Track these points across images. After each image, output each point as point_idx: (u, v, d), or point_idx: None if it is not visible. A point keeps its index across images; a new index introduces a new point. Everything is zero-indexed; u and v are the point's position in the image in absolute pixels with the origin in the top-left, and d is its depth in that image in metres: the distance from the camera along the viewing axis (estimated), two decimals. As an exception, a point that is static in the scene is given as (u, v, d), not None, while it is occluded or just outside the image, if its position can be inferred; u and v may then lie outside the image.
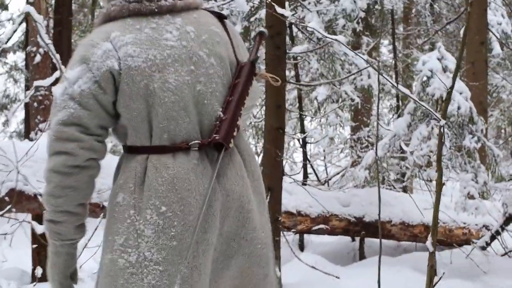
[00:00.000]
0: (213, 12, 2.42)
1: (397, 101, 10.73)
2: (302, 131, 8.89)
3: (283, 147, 6.27)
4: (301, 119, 8.94)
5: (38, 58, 8.57)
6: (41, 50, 8.46)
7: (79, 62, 2.19)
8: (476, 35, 9.06)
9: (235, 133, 2.22)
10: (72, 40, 11.67)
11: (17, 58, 16.43)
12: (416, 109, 6.92)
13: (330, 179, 9.72)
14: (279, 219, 5.98)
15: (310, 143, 9.59)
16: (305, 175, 9.13)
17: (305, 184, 8.28)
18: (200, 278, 2.15)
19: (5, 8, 12.98)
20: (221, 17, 2.42)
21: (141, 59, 2.17)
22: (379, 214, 4.77)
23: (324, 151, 10.78)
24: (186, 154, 2.18)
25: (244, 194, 2.25)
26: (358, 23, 8.96)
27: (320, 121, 9.06)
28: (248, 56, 2.39)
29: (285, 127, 6.30)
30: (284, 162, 7.09)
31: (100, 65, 2.16)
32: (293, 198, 7.35)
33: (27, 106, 10.36)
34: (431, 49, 12.16)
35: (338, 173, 9.76)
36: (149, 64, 2.18)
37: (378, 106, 5.97)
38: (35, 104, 8.48)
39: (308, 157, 9.29)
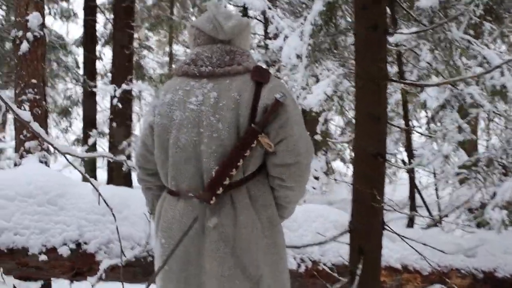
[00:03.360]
0: (258, 75, 2.86)
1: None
2: (409, 152, 6.55)
3: (383, 184, 4.06)
4: (408, 135, 6.62)
5: (25, 46, 6.55)
6: (29, 35, 6.47)
7: (148, 109, 3.04)
8: None
9: (218, 191, 2.76)
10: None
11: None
12: None
13: (445, 216, 7.36)
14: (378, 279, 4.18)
15: (420, 166, 7.24)
16: (412, 210, 6.86)
17: (411, 225, 6.06)
18: None
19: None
20: (259, 84, 2.83)
21: (167, 118, 2.87)
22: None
23: (434, 176, 8.38)
24: (186, 200, 2.85)
25: (223, 239, 2.78)
26: (477, 5, 6.70)
27: (431, 136, 6.69)
28: (277, 118, 2.79)
29: (385, 151, 4.08)
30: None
31: (148, 118, 2.98)
32: (397, 247, 5.68)
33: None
34: None
35: (458, 207, 7.37)
36: (172, 123, 2.86)
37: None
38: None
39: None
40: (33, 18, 6.54)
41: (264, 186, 2.90)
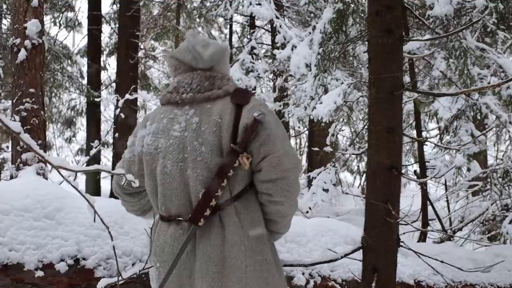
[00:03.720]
0: (238, 97, 2.95)
1: None
2: (422, 164, 6.33)
3: (399, 198, 3.86)
4: (420, 146, 6.40)
5: (22, 54, 6.31)
6: (27, 43, 6.24)
7: (131, 136, 3.16)
8: None
9: (206, 213, 2.82)
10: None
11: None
12: None
13: (459, 230, 7.14)
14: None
15: (434, 177, 7.01)
16: (424, 224, 6.64)
17: (423, 239, 5.86)
18: None
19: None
20: (239, 106, 2.90)
21: (153, 147, 2.96)
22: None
23: (445, 188, 8.16)
24: (177, 224, 2.91)
25: (212, 259, 2.83)
26: (491, 13, 6.53)
27: (447, 148, 6.44)
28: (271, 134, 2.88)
29: (401, 164, 3.87)
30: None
31: (136, 148, 3.07)
32: (409, 262, 5.51)
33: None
34: None
35: (472, 221, 7.13)
36: (158, 151, 2.95)
37: None
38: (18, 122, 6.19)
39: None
40: (32, 25, 6.32)
41: (252, 204, 2.94)
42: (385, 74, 3.80)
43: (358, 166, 16.81)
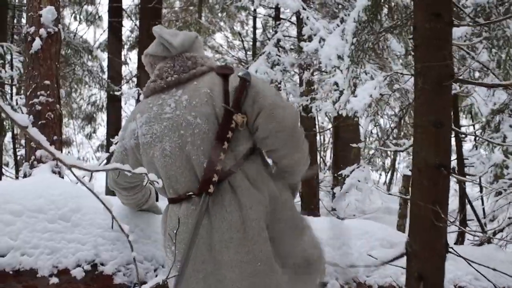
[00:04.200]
0: (223, 69, 3.06)
1: None
2: (461, 161, 5.96)
3: (447, 200, 3.51)
4: (458, 143, 6.04)
5: (37, 43, 5.90)
6: (42, 31, 5.86)
7: (121, 131, 3.24)
8: None
9: (214, 178, 2.85)
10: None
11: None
12: None
13: (500, 231, 6.76)
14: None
15: (471, 181, 6.63)
16: (463, 222, 6.29)
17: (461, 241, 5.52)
18: None
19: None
20: (225, 76, 3.02)
21: (149, 135, 3.02)
22: None
23: (480, 187, 7.76)
24: (188, 201, 2.92)
25: (232, 226, 2.84)
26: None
27: (493, 143, 6.06)
28: (268, 96, 2.98)
29: (450, 162, 3.53)
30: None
31: (127, 142, 3.13)
32: (450, 266, 4.97)
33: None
34: None
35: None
36: (154, 138, 3.00)
37: None
38: (31, 117, 5.80)
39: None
40: (47, 12, 5.91)
41: (260, 165, 3.01)
42: (433, 62, 3.46)
43: (383, 163, 16.47)
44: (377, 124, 7.39)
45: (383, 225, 5.36)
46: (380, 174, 19.33)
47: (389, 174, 18.96)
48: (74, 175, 1.93)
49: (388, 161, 16.72)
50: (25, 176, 5.41)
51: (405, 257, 3.61)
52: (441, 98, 3.47)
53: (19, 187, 3.85)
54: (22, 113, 6.46)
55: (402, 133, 9.48)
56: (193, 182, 2.91)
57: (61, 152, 6.02)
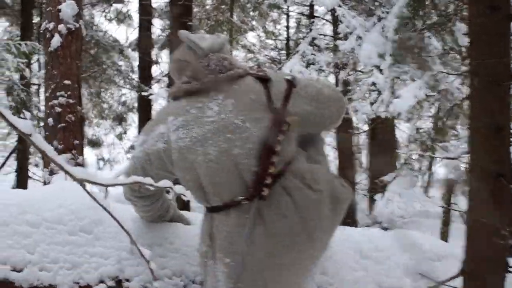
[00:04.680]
0: (259, 74, 3.01)
1: None
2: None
3: (510, 213, 3.18)
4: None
5: (56, 40, 5.61)
6: (62, 28, 5.55)
7: (142, 135, 3.07)
8: None
9: (267, 181, 2.77)
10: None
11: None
12: None
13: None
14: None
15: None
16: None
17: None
18: None
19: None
20: (264, 80, 2.97)
21: (188, 139, 2.88)
22: None
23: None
24: (236, 209, 2.80)
25: (293, 230, 2.78)
26: None
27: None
28: (303, 102, 2.98)
29: (510, 171, 3.20)
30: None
31: (152, 146, 2.99)
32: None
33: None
34: None
35: None
36: (194, 142, 2.87)
37: None
38: (50, 120, 5.51)
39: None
40: (67, 7, 5.63)
41: (308, 165, 3.00)
42: (489, 59, 3.15)
43: (420, 167, 16.06)
44: (420, 128, 7.06)
45: (429, 235, 5.04)
46: (416, 176, 18.93)
47: (425, 176, 18.53)
48: (86, 191, 1.67)
49: (425, 163, 16.31)
50: (44, 183, 5.14)
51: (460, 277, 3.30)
52: (499, 99, 3.16)
53: (36, 196, 3.60)
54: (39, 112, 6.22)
55: (441, 136, 9.12)
56: (241, 187, 2.83)
57: (83, 156, 5.78)
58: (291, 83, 2.94)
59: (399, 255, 4.41)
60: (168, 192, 2.50)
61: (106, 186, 1.66)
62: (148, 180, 1.82)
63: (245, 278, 2.79)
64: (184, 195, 2.03)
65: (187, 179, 2.90)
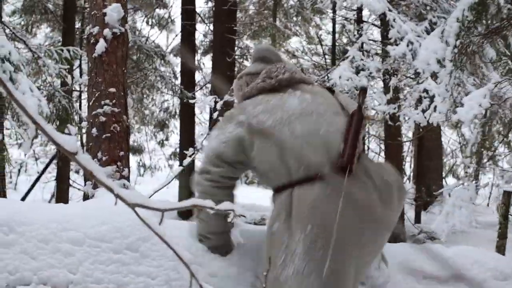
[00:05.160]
0: (324, 85, 3.69)
1: None
2: None
3: None
4: None
5: (101, 45, 5.31)
6: (107, 32, 5.26)
7: (216, 130, 3.33)
8: None
9: (355, 160, 3.02)
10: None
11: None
12: None
13: None
14: None
15: None
16: None
17: None
18: (339, 282, 2.90)
19: None
20: (330, 90, 3.49)
21: (270, 120, 3.14)
22: None
23: None
24: (321, 182, 2.96)
25: (368, 206, 3.00)
26: None
27: None
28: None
29: None
30: None
31: (231, 134, 3.21)
32: None
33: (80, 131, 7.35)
34: None
35: None
36: (277, 123, 3.13)
37: None
38: (94, 130, 5.23)
39: None
40: (112, 11, 5.34)
41: (369, 160, 3.35)
42: None
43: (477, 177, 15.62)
44: (485, 139, 6.73)
45: (493, 253, 4.75)
46: (477, 188, 18.42)
47: (487, 189, 18.06)
48: (141, 218, 1.48)
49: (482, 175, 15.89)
50: (86, 197, 4.91)
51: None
52: None
53: (79, 211, 3.40)
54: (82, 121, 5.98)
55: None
56: (326, 163, 3.04)
57: (128, 168, 5.56)
58: (364, 92, 3.30)
59: (463, 273, 4.16)
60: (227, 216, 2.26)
61: (163, 211, 1.46)
62: (209, 203, 1.60)
63: (322, 248, 2.87)
64: (244, 216, 1.81)
65: (268, 159, 3.12)
